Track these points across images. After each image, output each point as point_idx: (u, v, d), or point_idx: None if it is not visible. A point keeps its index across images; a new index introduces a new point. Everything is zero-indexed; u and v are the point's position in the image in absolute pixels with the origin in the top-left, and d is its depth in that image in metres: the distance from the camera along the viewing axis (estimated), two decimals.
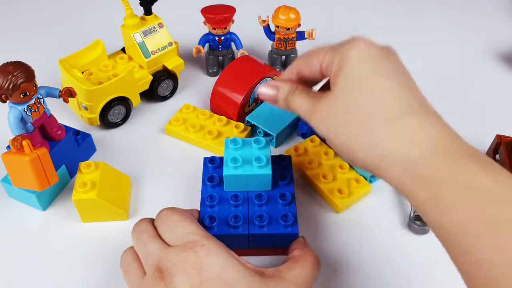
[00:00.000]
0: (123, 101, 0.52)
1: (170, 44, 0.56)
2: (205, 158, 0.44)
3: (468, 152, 0.28)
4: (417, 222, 0.42)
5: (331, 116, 0.33)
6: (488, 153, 0.49)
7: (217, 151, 0.50)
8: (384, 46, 0.33)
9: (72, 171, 0.48)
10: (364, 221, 0.44)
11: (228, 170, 0.40)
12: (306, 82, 0.37)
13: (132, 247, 0.35)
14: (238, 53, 0.59)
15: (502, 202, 0.25)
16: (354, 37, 0.34)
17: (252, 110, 0.54)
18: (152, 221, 0.36)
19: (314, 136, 0.50)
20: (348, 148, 0.32)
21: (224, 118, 0.52)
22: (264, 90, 0.38)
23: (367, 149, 0.30)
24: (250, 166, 0.40)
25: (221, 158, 0.43)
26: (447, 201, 0.26)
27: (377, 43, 0.33)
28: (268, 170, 0.39)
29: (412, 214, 0.43)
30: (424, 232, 0.42)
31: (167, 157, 0.51)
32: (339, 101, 0.32)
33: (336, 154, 0.47)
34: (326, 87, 0.37)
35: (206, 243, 0.32)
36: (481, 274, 0.25)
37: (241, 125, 0.51)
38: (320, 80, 0.37)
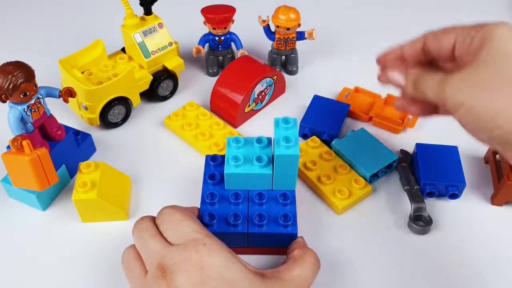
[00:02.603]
0: (123, 101, 0.52)
1: (170, 44, 0.56)
2: (207, 156, 0.44)
3: None
4: (417, 222, 0.42)
5: (474, 82, 0.32)
6: (488, 153, 0.49)
7: (205, 154, 0.49)
8: None
9: (72, 171, 0.48)
10: (364, 222, 0.44)
11: (229, 168, 0.40)
12: (426, 60, 0.38)
13: (133, 245, 0.35)
14: (238, 53, 0.59)
15: None
16: (495, 21, 0.34)
17: (252, 110, 0.54)
18: (153, 218, 0.36)
19: (314, 137, 0.50)
20: (493, 112, 0.31)
21: (221, 122, 0.52)
22: (393, 76, 0.38)
23: None
24: (251, 165, 0.40)
25: (223, 156, 0.43)
26: None
27: None
28: (269, 170, 0.39)
29: (412, 214, 0.43)
30: (424, 232, 0.42)
31: (167, 156, 0.51)
32: (487, 65, 0.32)
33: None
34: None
35: (208, 242, 0.32)
36: None
37: (235, 132, 0.51)
38: (445, 58, 0.37)
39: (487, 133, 0.32)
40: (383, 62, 0.41)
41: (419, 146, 0.48)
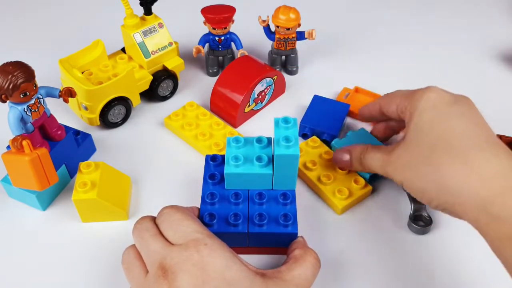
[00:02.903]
0: (123, 101, 0.52)
1: (170, 44, 0.56)
2: (207, 156, 0.44)
3: None
4: (417, 222, 0.42)
5: (405, 161, 0.35)
6: None
7: (205, 154, 0.49)
8: (457, 94, 0.35)
9: (72, 171, 0.48)
10: (364, 222, 0.44)
11: (229, 168, 0.40)
12: (386, 119, 0.43)
13: (133, 245, 0.35)
14: (238, 53, 0.59)
15: None
16: (428, 87, 0.36)
17: (252, 110, 0.54)
18: (153, 218, 0.36)
19: (314, 137, 0.50)
20: (423, 188, 0.33)
21: (221, 122, 0.52)
22: (337, 156, 0.44)
23: (440, 188, 0.32)
24: (251, 165, 0.40)
25: (223, 156, 0.43)
26: None
27: (449, 92, 0.36)
28: (269, 170, 0.39)
29: (412, 214, 0.43)
30: (424, 232, 0.42)
31: (167, 156, 0.51)
32: (411, 146, 0.35)
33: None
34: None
35: (209, 242, 0.32)
36: None
37: (235, 132, 0.51)
38: (397, 120, 0.41)
39: (428, 204, 0.34)
40: (363, 116, 0.47)
41: None
